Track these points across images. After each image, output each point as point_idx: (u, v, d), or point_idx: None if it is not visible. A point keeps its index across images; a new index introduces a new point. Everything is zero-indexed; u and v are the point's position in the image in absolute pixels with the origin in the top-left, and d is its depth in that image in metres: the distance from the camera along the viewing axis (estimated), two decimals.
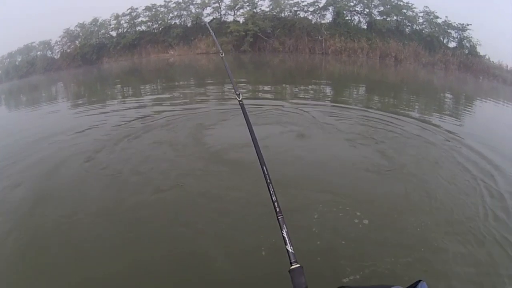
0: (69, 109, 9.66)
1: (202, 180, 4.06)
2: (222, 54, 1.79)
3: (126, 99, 10.75)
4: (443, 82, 17.13)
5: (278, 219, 1.11)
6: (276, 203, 1.15)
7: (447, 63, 20.93)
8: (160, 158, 4.75)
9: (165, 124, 6.41)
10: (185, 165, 4.53)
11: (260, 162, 1.22)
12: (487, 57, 22.62)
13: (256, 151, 1.24)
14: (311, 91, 11.30)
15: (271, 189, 1.17)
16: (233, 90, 1.55)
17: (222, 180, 4.07)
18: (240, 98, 1.45)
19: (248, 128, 1.35)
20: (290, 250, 1.04)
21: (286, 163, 4.39)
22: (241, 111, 1.39)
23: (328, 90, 12.02)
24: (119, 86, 14.38)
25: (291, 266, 1.00)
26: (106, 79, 17.50)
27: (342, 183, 3.95)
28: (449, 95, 13.08)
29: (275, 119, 6.54)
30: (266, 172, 1.21)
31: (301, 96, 10.03)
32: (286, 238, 1.06)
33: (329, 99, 10.23)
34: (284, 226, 1.08)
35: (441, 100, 11.65)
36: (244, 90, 12.76)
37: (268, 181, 1.19)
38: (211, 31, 2.13)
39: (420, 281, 0.89)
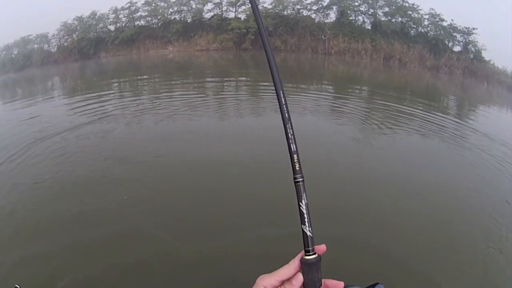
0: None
1: None
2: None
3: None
4: (462, 92, 16.99)
5: (296, 182, 0.75)
6: (296, 156, 0.77)
7: (452, 67, 20.55)
8: None
9: None
10: None
11: (274, 82, 0.79)
12: (491, 62, 22.28)
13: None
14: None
15: (290, 131, 0.77)
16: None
17: None
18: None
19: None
20: (308, 233, 0.72)
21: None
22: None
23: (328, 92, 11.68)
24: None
25: (305, 255, 0.71)
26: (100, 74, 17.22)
27: None
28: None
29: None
30: (283, 101, 0.79)
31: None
32: (305, 215, 0.73)
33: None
34: (304, 195, 0.74)
35: None
36: (244, 87, 12.43)
37: (286, 114, 0.78)
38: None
39: (377, 283, 0.82)
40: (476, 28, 21.70)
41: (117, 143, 5.95)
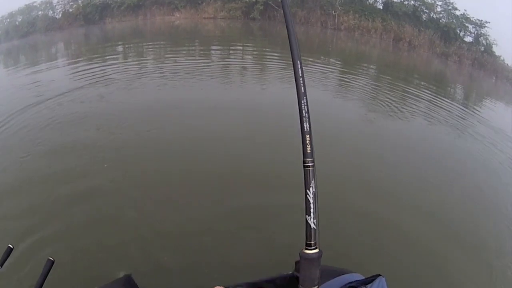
0: None
1: None
2: None
3: None
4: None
5: (304, 166, 0.67)
6: (308, 137, 0.69)
7: (461, 57, 20.28)
8: None
9: None
10: None
11: (292, 53, 0.75)
12: (502, 58, 22.00)
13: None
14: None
15: (304, 108, 0.70)
16: None
17: None
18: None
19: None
20: (312, 225, 0.64)
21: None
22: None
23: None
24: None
25: (306, 249, 0.63)
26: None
27: None
28: None
29: None
30: (300, 73, 0.75)
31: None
32: (311, 204, 0.64)
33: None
34: (313, 182, 0.65)
35: None
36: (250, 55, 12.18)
37: (302, 90, 0.72)
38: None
39: (379, 275, 0.74)
40: (489, 22, 21.44)
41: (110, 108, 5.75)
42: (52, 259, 1.14)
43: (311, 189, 0.67)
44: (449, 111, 8.29)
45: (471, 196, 4.06)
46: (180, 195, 3.30)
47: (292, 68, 0.74)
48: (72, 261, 2.39)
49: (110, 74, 8.05)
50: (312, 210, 0.66)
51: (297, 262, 0.69)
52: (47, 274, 1.12)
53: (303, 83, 0.73)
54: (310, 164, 0.69)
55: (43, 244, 2.58)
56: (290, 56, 0.77)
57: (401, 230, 3.10)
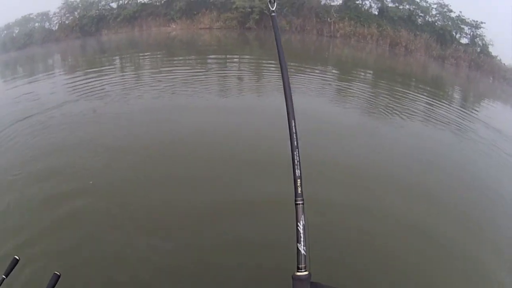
0: None
1: None
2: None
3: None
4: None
5: (296, 204, 0.81)
6: (299, 180, 0.83)
7: (458, 59, 20.30)
8: None
9: None
10: None
11: (287, 109, 0.88)
12: (498, 58, 22.02)
13: (284, 86, 0.90)
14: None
15: (297, 157, 0.83)
16: None
17: None
18: (273, 8, 1.02)
19: (278, 49, 0.98)
20: (302, 251, 0.78)
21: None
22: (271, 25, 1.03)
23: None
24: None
25: (297, 271, 0.76)
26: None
27: None
28: None
29: None
30: (294, 130, 0.86)
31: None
32: (301, 234, 0.78)
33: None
34: (303, 217, 0.80)
35: None
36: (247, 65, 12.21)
37: (295, 143, 0.85)
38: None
39: None
40: (484, 22, 21.46)
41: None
42: (58, 273, 1.16)
43: (301, 222, 0.80)
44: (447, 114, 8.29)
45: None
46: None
47: (288, 129, 0.85)
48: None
49: (103, 86, 8.09)
50: (302, 239, 0.78)
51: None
52: None
53: (296, 138, 0.83)
54: (300, 202, 0.82)
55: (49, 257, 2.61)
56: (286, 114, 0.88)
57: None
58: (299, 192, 0.82)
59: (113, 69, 11.37)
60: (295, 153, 0.84)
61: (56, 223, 3.15)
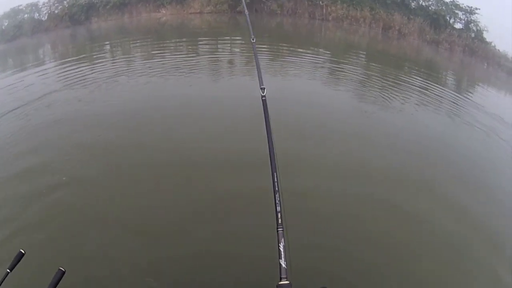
0: None
1: None
2: (253, 40, 1.44)
3: None
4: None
5: (278, 231, 1.02)
6: (280, 214, 1.05)
7: (452, 44, 20.16)
8: None
9: None
10: None
11: (271, 167, 1.06)
12: (493, 44, 21.90)
13: (270, 155, 1.06)
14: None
15: (278, 198, 1.05)
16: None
17: None
18: (264, 93, 1.17)
19: (266, 128, 1.09)
20: (283, 265, 0.96)
21: None
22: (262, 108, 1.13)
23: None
24: None
25: (280, 281, 0.93)
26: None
27: None
28: None
29: None
30: (276, 179, 1.07)
31: None
32: (282, 252, 0.98)
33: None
34: (283, 240, 1.00)
35: None
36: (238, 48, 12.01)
37: (276, 189, 1.06)
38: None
39: None
40: (479, 8, 21.30)
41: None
42: (63, 269, 1.18)
43: (281, 243, 0.97)
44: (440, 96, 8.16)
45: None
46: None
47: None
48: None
49: (91, 74, 7.92)
50: (283, 256, 0.95)
51: None
52: (57, 284, 1.16)
53: (278, 179, 1.04)
54: (280, 229, 1.00)
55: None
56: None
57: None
58: (280, 222, 1.02)
59: (102, 58, 11.14)
60: (276, 195, 1.01)
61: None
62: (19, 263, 1.20)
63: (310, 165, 3.86)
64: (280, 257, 0.97)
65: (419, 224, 3.34)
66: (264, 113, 1.11)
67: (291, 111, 5.33)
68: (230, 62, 9.95)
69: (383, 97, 7.26)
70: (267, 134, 1.07)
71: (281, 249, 0.97)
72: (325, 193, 3.53)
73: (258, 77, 1.20)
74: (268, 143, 1.07)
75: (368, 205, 3.45)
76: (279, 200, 1.04)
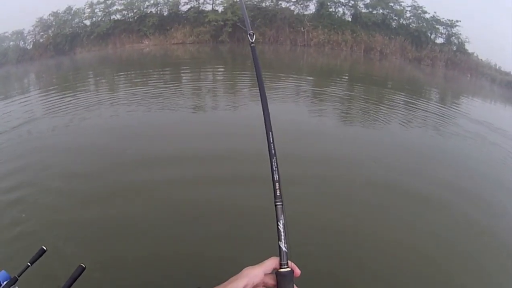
0: None
1: None
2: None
3: None
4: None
5: (276, 205, 0.86)
6: (277, 184, 0.88)
7: (434, 59, 20.47)
8: None
9: None
10: None
11: (266, 127, 0.92)
12: (475, 54, 22.22)
13: (263, 114, 0.92)
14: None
15: (274, 164, 0.88)
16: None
17: None
18: (253, 40, 1.06)
19: (257, 75, 0.99)
20: (283, 249, 0.81)
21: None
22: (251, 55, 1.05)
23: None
24: None
25: (280, 268, 0.80)
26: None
27: None
28: None
29: None
30: (271, 140, 0.91)
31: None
32: (282, 233, 0.83)
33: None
34: (282, 217, 0.84)
35: None
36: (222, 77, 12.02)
37: (273, 152, 0.89)
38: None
39: None
40: (460, 21, 21.58)
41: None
42: (83, 265, 1.22)
43: (281, 221, 0.83)
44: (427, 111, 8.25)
45: None
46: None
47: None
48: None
49: (70, 103, 7.97)
50: (283, 237, 0.81)
51: None
52: (76, 279, 1.21)
53: (274, 147, 0.89)
54: (279, 203, 0.86)
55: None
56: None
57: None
58: (278, 194, 0.87)
59: (85, 87, 11.13)
60: (273, 160, 0.90)
61: None
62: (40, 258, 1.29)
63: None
64: (279, 239, 0.82)
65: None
66: (254, 60, 1.02)
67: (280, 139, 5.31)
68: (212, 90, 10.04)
69: (368, 118, 7.43)
70: (259, 84, 0.94)
71: (281, 228, 0.83)
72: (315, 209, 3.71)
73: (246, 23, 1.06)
74: (261, 100, 0.93)
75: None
76: (276, 167, 0.88)
